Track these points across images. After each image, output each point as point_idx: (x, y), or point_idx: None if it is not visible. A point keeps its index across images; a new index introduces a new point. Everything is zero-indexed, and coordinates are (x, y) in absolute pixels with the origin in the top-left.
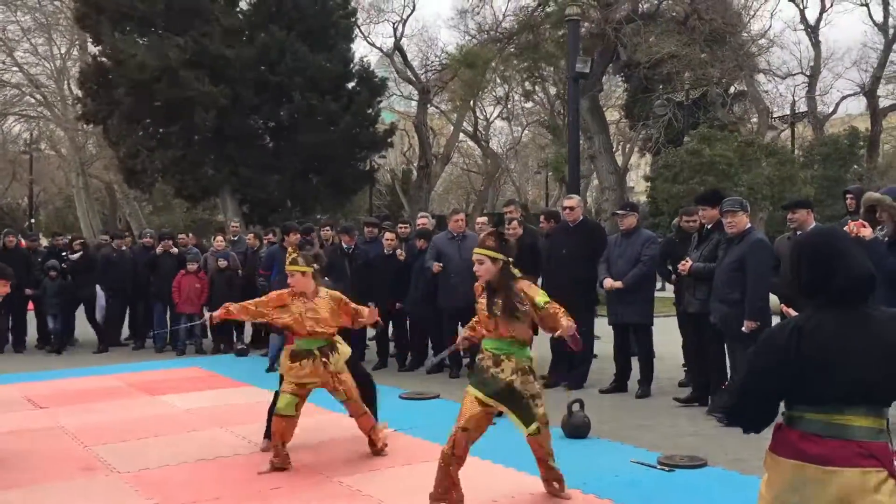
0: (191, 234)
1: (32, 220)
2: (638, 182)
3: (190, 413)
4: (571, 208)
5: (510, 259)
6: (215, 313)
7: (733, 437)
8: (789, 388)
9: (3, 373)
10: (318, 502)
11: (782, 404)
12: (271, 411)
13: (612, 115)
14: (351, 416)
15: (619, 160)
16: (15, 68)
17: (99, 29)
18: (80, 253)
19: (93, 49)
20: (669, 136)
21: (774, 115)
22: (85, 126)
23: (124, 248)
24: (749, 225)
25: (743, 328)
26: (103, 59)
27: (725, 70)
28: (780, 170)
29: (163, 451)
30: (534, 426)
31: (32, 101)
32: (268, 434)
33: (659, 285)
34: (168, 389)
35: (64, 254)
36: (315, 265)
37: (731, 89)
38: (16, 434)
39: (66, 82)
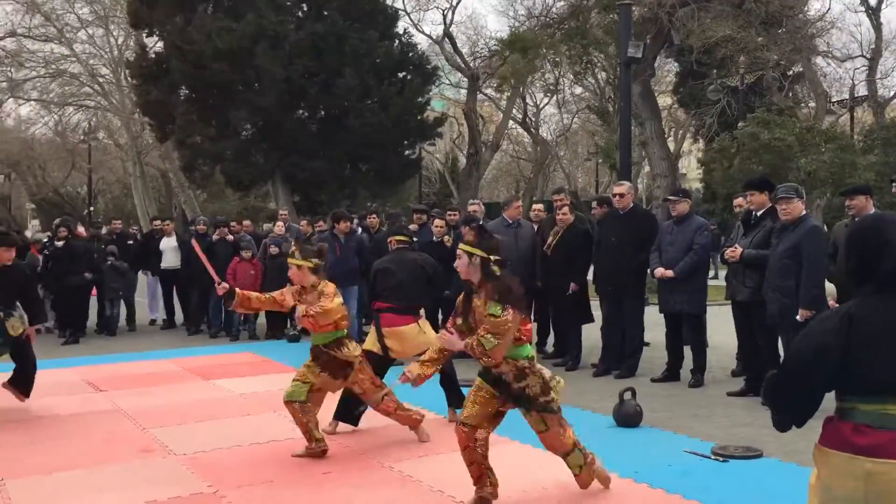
0: (247, 222)
1: (91, 208)
2: (690, 169)
3: (244, 397)
4: (622, 195)
5: (491, 257)
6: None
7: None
8: (837, 378)
9: (64, 357)
10: (369, 487)
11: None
12: (343, 394)
13: (664, 101)
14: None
15: (672, 146)
16: (73, 59)
17: (153, 19)
18: (63, 242)
19: (148, 41)
20: (723, 123)
21: (833, 100)
22: (141, 117)
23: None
24: (804, 212)
25: (797, 317)
26: (160, 48)
27: (782, 53)
28: (840, 155)
29: (217, 434)
30: (543, 424)
31: (90, 90)
32: (336, 416)
33: (711, 273)
34: (222, 374)
35: (46, 241)
36: (316, 260)
37: (790, 73)
38: (77, 416)
39: (122, 72)
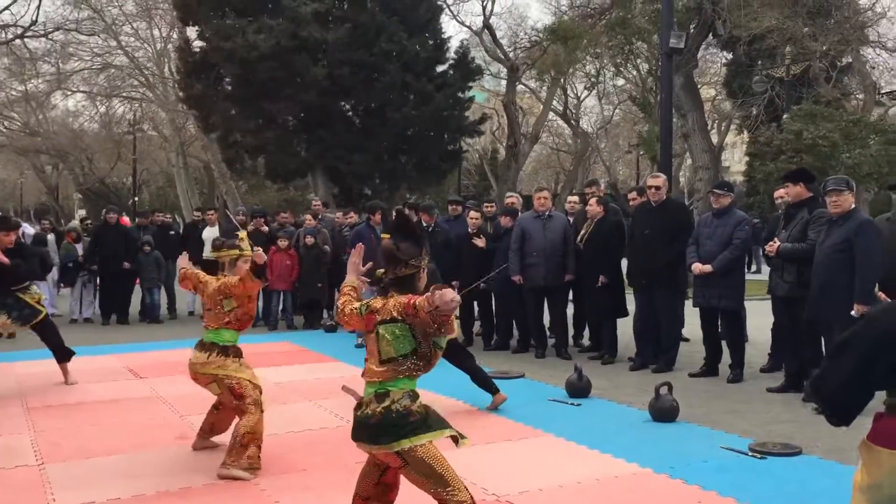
0: (289, 212)
1: (136, 199)
2: (734, 161)
3: (280, 386)
4: (658, 187)
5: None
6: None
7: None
8: (889, 375)
9: (107, 343)
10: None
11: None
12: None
13: (707, 92)
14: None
15: (715, 139)
16: (119, 51)
17: (198, 16)
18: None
19: (191, 34)
20: (771, 114)
21: (882, 91)
22: (185, 109)
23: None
24: (854, 205)
25: (853, 312)
26: (203, 43)
27: (830, 44)
28: (888, 149)
29: None
30: None
31: (135, 83)
32: None
33: (754, 268)
34: (259, 363)
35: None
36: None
37: (839, 63)
38: (117, 402)
39: (166, 65)
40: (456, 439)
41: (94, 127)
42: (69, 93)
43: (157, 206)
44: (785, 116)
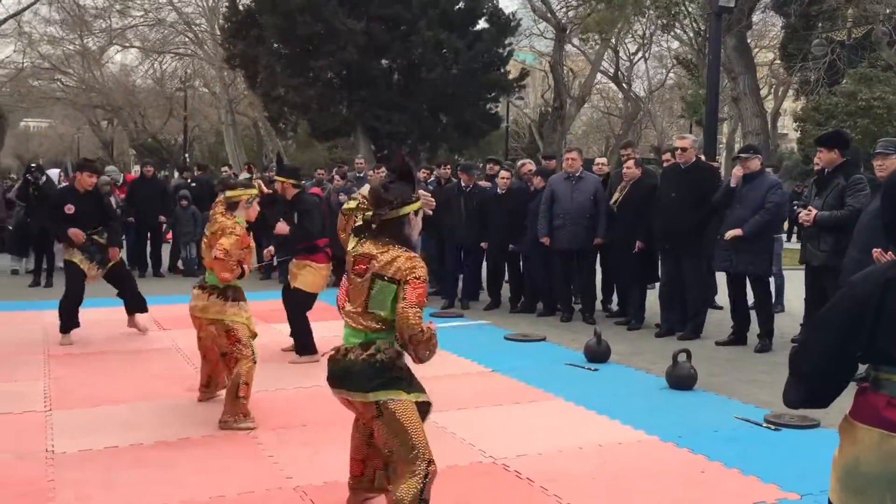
0: (324, 170)
1: (187, 155)
2: (791, 128)
3: None
4: (684, 149)
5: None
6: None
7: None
8: (870, 347)
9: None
10: None
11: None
12: None
13: (765, 56)
14: None
15: (771, 104)
16: (170, 7)
17: None
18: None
19: None
20: (832, 78)
21: None
22: (230, 69)
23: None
24: None
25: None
26: (248, 1)
27: (894, 6)
28: None
29: (263, 377)
30: None
31: (186, 39)
32: None
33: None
34: (281, 318)
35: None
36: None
37: None
38: (136, 353)
39: (216, 21)
40: (426, 410)
41: (148, 83)
42: (121, 49)
43: (207, 163)
44: (844, 81)
